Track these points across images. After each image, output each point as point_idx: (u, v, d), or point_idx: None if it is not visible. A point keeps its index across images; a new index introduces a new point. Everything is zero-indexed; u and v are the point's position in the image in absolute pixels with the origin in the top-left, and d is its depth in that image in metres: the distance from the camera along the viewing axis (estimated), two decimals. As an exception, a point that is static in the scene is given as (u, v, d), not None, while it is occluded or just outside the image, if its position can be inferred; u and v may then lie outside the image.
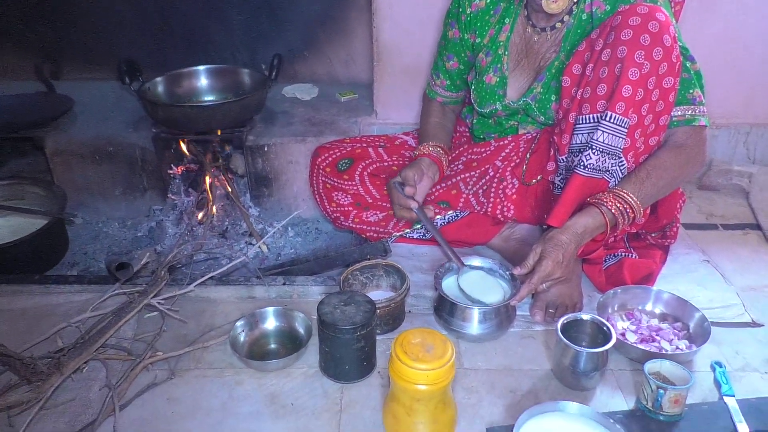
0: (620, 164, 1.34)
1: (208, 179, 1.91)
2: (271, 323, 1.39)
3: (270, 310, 1.40)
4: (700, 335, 1.33)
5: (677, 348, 1.31)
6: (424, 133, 1.70)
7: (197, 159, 1.94)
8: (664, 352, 1.29)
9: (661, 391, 1.14)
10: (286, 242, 1.91)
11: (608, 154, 1.31)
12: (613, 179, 1.36)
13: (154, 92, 1.90)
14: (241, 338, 1.35)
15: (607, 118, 1.28)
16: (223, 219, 1.92)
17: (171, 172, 1.93)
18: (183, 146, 1.90)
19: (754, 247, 1.75)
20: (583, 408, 1.11)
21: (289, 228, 1.95)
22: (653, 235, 1.60)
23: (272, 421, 1.19)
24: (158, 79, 1.92)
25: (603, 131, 1.29)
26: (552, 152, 1.49)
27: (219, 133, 1.86)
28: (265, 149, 1.88)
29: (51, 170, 1.90)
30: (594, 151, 1.31)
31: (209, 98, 2.01)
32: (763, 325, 1.42)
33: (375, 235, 1.68)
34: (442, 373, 1.03)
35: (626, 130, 1.29)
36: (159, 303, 1.41)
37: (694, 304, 1.39)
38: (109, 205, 1.98)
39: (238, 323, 1.35)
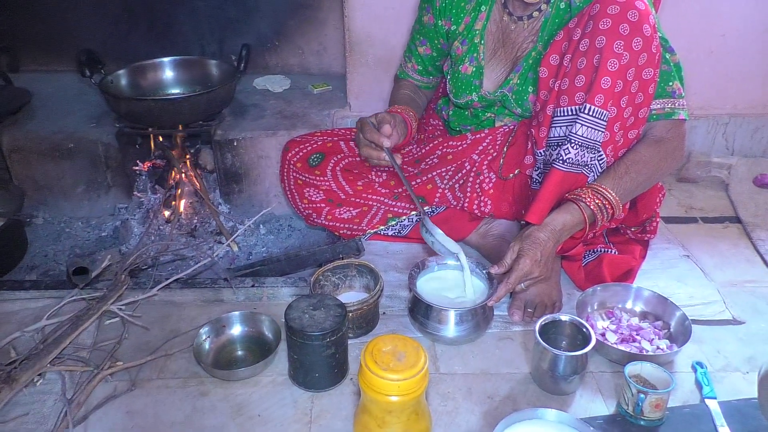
0: (599, 158, 1.30)
1: (175, 175, 1.83)
2: (237, 329, 1.33)
3: (236, 314, 1.33)
4: (681, 334, 1.30)
5: (658, 348, 1.28)
6: (393, 100, 1.64)
7: (164, 154, 1.86)
8: (644, 353, 1.26)
9: (642, 395, 1.10)
10: (257, 240, 1.84)
11: (587, 147, 1.27)
12: (592, 174, 1.31)
13: (117, 85, 1.81)
14: (206, 346, 1.29)
15: (586, 111, 1.23)
16: (191, 217, 1.84)
17: (136, 168, 1.85)
18: (149, 141, 1.82)
19: (734, 240, 1.72)
20: (562, 415, 1.06)
21: (261, 226, 1.88)
22: (633, 229, 1.56)
23: (238, 434, 1.13)
24: (121, 71, 1.83)
25: (582, 124, 1.25)
26: (529, 145, 1.44)
27: (183, 128, 1.78)
28: (235, 144, 1.80)
29: (8, 168, 1.81)
30: (573, 144, 1.26)
31: (176, 91, 1.93)
32: (744, 323, 1.39)
33: (348, 232, 1.63)
34: (415, 383, 0.97)
35: (605, 123, 1.25)
36: (120, 308, 1.34)
37: (675, 302, 1.35)
38: (71, 204, 1.89)
39: (202, 330, 1.29)
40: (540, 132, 1.35)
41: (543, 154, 1.36)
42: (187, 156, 1.88)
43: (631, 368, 1.16)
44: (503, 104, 1.53)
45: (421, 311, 1.32)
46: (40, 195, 1.86)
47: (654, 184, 1.42)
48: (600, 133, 1.25)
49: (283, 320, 1.17)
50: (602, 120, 1.24)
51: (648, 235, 1.56)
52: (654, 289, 1.40)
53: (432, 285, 1.38)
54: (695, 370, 1.24)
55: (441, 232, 1.34)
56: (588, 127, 1.25)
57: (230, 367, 1.26)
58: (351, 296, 1.41)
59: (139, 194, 1.85)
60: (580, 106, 1.24)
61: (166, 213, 1.82)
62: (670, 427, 1.13)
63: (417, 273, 1.38)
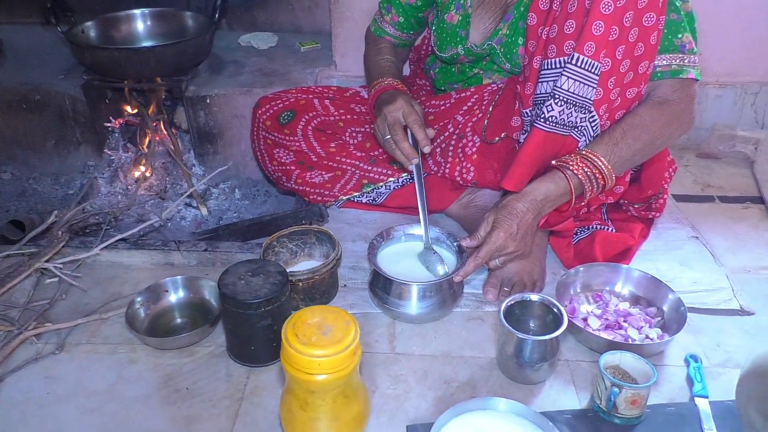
0: (591, 119, 1.13)
1: (148, 134, 1.73)
2: (178, 295, 1.22)
3: (178, 279, 1.22)
4: (675, 322, 1.13)
5: (647, 337, 1.11)
6: (380, 68, 1.47)
7: (138, 112, 1.75)
8: (630, 341, 1.10)
9: (615, 389, 0.95)
10: (231, 205, 1.72)
11: (575, 105, 1.10)
12: (583, 138, 1.15)
13: (87, 36, 1.71)
14: (141, 313, 1.18)
15: (574, 62, 1.07)
16: (163, 178, 1.74)
17: (109, 125, 1.75)
18: (122, 95, 1.72)
19: (754, 222, 1.52)
20: (516, 406, 0.92)
21: (237, 190, 1.76)
22: (636, 206, 1.39)
23: (160, 408, 1.02)
24: (90, 22, 1.72)
25: (568, 77, 1.08)
26: (517, 105, 1.28)
27: (152, 82, 1.66)
28: (207, 101, 1.68)
29: (-26, 119, 1.73)
30: (557, 100, 1.10)
31: (149, 44, 1.81)
32: (753, 314, 1.21)
33: (319, 198, 1.49)
34: (340, 361, 0.84)
35: (597, 78, 1.08)
36: (57, 267, 1.24)
37: (675, 287, 1.18)
38: (41, 160, 1.81)
39: (138, 299, 1.18)
40: (526, 88, 1.19)
41: (530, 114, 1.21)
42: (163, 113, 1.77)
43: (608, 358, 1.00)
44: (491, 59, 1.37)
45: (380, 285, 1.18)
46: (9, 150, 1.78)
47: (655, 153, 1.24)
48: (591, 89, 1.09)
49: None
50: (593, 73, 1.07)
51: (653, 213, 1.39)
52: (654, 272, 1.24)
53: (396, 257, 1.24)
54: (688, 365, 1.08)
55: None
56: (576, 80, 1.08)
57: (166, 336, 1.15)
58: (309, 265, 1.28)
59: (109, 152, 1.75)
60: (568, 57, 1.08)
61: (135, 173, 1.71)
62: (649, 427, 0.97)
63: (379, 243, 1.24)
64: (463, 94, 1.42)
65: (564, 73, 1.07)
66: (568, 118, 1.11)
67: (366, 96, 1.57)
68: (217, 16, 1.66)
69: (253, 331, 1.05)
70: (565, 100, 1.09)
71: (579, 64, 1.07)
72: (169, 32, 1.80)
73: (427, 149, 1.23)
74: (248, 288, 1.03)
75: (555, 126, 1.12)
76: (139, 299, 1.19)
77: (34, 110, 1.72)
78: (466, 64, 1.41)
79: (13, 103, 1.71)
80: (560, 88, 1.08)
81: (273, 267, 1.08)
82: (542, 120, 1.11)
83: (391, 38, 1.51)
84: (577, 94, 1.09)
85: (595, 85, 1.08)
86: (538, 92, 1.15)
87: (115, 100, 1.74)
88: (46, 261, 1.21)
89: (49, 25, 1.66)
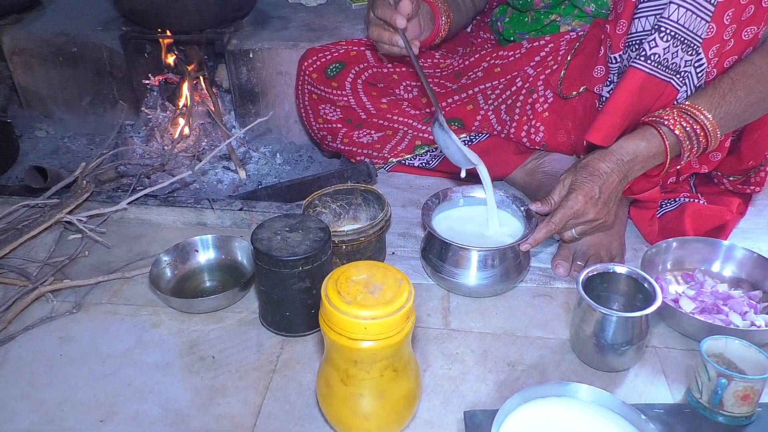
0: (697, 63, 0.95)
1: (186, 91, 1.62)
2: (208, 255, 1.09)
3: (209, 238, 1.10)
4: (787, 309, 0.95)
5: (753, 324, 0.93)
6: None
7: (178, 68, 1.65)
8: (733, 327, 0.92)
9: (723, 380, 0.77)
10: (271, 170, 1.60)
11: (682, 42, 0.92)
12: (684, 88, 0.97)
13: (127, -15, 1.60)
14: (168, 273, 1.06)
15: None
16: (201, 138, 1.62)
17: (147, 82, 1.65)
18: (159, 52, 1.61)
19: None
20: (601, 394, 0.76)
21: (278, 155, 1.64)
22: (731, 179, 1.20)
23: (181, 376, 0.90)
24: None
25: (679, 5, 0.89)
26: (602, 51, 1.10)
27: (193, 33, 1.55)
28: (251, 56, 1.56)
29: (11, 72, 1.65)
30: (662, 34, 0.91)
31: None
32: None
33: (367, 159, 1.35)
34: (390, 325, 0.70)
35: (713, 8, 0.89)
36: (80, 221, 1.13)
37: (783, 268, 1.00)
38: (77, 118, 1.72)
39: (164, 257, 1.06)
40: (618, 27, 1.01)
41: (620, 59, 1.03)
42: (204, 71, 1.66)
43: (711, 344, 0.83)
44: (572, 1, 1.20)
45: (434, 251, 1.03)
46: (45, 106, 1.70)
47: None
48: (704, 22, 0.90)
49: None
50: (709, 2, 0.89)
51: (752, 188, 1.19)
52: (755, 251, 1.05)
53: (453, 222, 1.09)
54: (805, 358, 0.89)
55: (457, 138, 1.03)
56: (687, 9, 0.89)
57: (194, 298, 1.03)
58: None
59: (147, 111, 1.65)
60: None
61: (174, 133, 1.61)
62: (761, 429, 0.79)
63: (435, 205, 1.08)
64: (536, 44, 1.25)
65: (674, 0, 0.89)
66: (672, 59, 0.93)
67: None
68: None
69: (288, 294, 0.91)
70: (672, 34, 0.91)
71: None
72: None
73: (400, 22, 1.04)
74: (285, 244, 0.90)
75: (657, 67, 0.94)
76: (166, 258, 1.07)
77: (70, 63, 1.63)
78: (542, 10, 1.24)
79: (48, 56, 1.62)
80: (667, 19, 0.90)
81: (314, 223, 0.94)
82: (642, 58, 0.93)
83: None
84: (687, 28, 0.91)
85: (708, 19, 0.90)
86: (633, 30, 0.98)
87: (154, 55, 1.64)
88: (70, 213, 1.11)
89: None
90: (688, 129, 0.94)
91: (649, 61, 0.93)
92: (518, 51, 1.27)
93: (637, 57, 0.94)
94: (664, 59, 0.92)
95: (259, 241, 0.90)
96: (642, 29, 0.96)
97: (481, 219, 1.10)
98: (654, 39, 0.92)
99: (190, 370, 0.91)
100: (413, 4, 1.05)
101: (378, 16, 1.08)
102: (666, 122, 0.95)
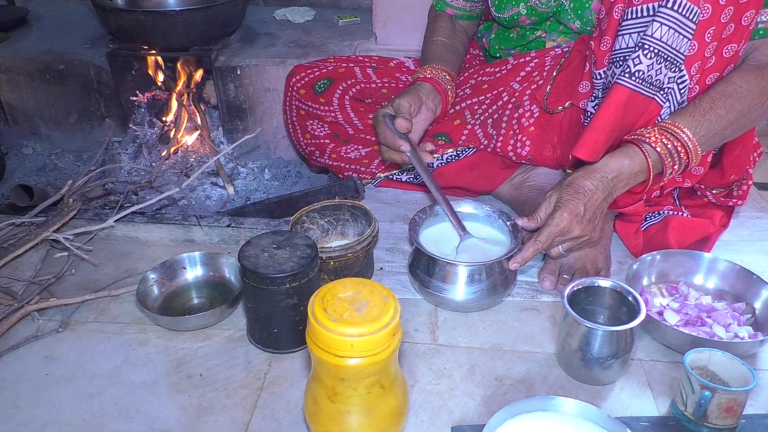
0: (680, 80, 0.96)
1: (174, 107, 1.62)
2: (196, 272, 1.09)
3: (196, 255, 1.10)
4: (770, 320, 0.96)
5: (736, 336, 0.94)
6: (426, 54, 1.33)
7: (165, 85, 1.65)
8: (717, 339, 0.93)
9: (707, 392, 0.78)
10: (259, 185, 1.60)
11: (666, 59, 0.93)
12: (668, 104, 0.98)
13: (115, 4, 1.61)
14: (155, 291, 1.05)
15: (670, 5, 0.89)
16: (188, 155, 1.63)
17: (135, 99, 1.65)
18: (146, 69, 1.62)
19: None
20: (587, 408, 0.76)
21: (266, 170, 1.64)
22: (714, 192, 1.21)
23: (168, 395, 0.89)
24: (120, -11, 1.63)
25: (662, 23, 0.91)
26: (587, 67, 1.12)
27: (180, 50, 1.55)
28: (238, 72, 1.57)
29: (-5, 87, 1.65)
30: (646, 51, 0.93)
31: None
32: None
33: (355, 175, 1.35)
34: (376, 342, 0.70)
35: (694, 27, 0.91)
36: (67, 239, 1.12)
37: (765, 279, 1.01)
38: (64, 135, 1.72)
39: (151, 275, 1.06)
40: (602, 44, 1.03)
41: (604, 75, 1.04)
42: (191, 88, 1.66)
43: (695, 356, 0.84)
44: (557, 17, 1.21)
45: (421, 266, 1.04)
46: (31, 124, 1.70)
47: (749, 128, 1.06)
48: (686, 41, 0.92)
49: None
50: (691, 21, 0.90)
51: (735, 201, 1.21)
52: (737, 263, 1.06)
53: (440, 237, 1.10)
54: (787, 369, 0.91)
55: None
56: (670, 28, 0.91)
57: (181, 316, 1.02)
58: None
59: (135, 127, 1.65)
60: (662, 0, 0.91)
61: (161, 149, 1.61)
62: (746, 442, 0.80)
63: (422, 220, 1.09)
64: (522, 59, 1.26)
65: (657, 19, 0.91)
66: (656, 75, 0.94)
67: (412, 66, 1.43)
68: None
69: (276, 311, 0.91)
70: (656, 51, 0.92)
71: (676, 7, 0.89)
72: (200, 2, 1.69)
73: (404, 147, 1.10)
74: (272, 261, 0.90)
75: (642, 84, 0.95)
76: (153, 275, 1.07)
77: (57, 81, 1.63)
78: (527, 27, 1.26)
79: (36, 74, 1.63)
80: (651, 36, 0.92)
81: (301, 240, 0.95)
82: (627, 75, 0.94)
83: (453, 10, 1.34)
84: (670, 46, 0.92)
85: (690, 36, 0.91)
86: (617, 47, 0.99)
87: (141, 72, 1.64)
88: (56, 231, 1.10)
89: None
90: (669, 146, 0.96)
91: (633, 78, 0.94)
92: (504, 67, 1.29)
93: (622, 74, 0.95)
94: (648, 76, 0.94)
95: (246, 258, 0.90)
96: (626, 46, 0.97)
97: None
98: (638, 56, 0.93)
99: (178, 388, 0.90)
100: (409, 119, 1.11)
101: (382, 143, 1.13)
102: (648, 140, 0.96)
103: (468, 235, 1.07)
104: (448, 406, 0.87)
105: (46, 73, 1.62)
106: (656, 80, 0.95)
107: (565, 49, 1.23)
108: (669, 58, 0.93)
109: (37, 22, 1.81)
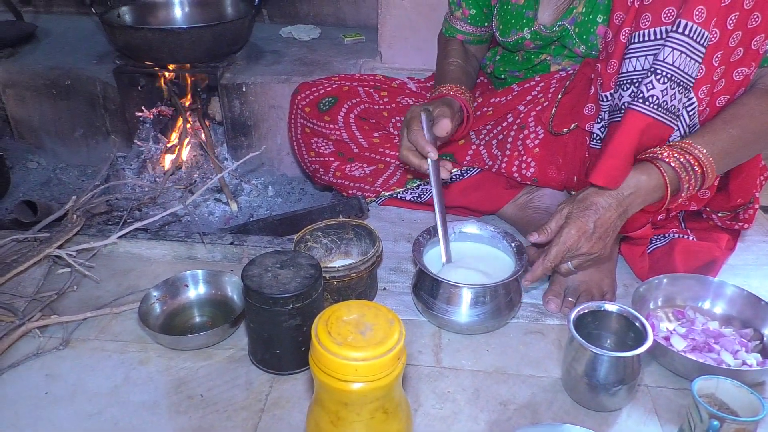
0: (688, 104, 0.95)
1: (179, 124, 1.63)
2: (198, 290, 1.09)
3: (199, 273, 1.09)
4: (778, 347, 0.95)
5: (744, 363, 0.93)
6: (442, 74, 1.32)
7: (171, 101, 1.66)
8: (725, 366, 0.91)
9: (716, 422, 0.76)
10: (262, 202, 1.60)
11: (678, 84, 0.92)
12: (678, 129, 0.97)
13: (123, 20, 1.62)
14: (157, 309, 1.05)
15: (681, 30, 0.89)
16: (192, 171, 1.63)
17: (140, 114, 1.65)
18: (155, 82, 1.62)
19: None
20: (595, 438, 0.75)
21: (270, 187, 1.64)
22: (720, 215, 1.20)
23: (168, 416, 0.88)
24: (127, 7, 1.64)
25: (674, 48, 0.90)
26: (593, 90, 1.12)
27: (186, 67, 1.56)
28: (243, 89, 1.57)
29: (4, 104, 1.65)
30: (659, 77, 0.92)
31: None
32: None
33: (359, 193, 1.35)
34: (381, 366, 0.69)
35: (704, 50, 0.91)
36: (70, 255, 1.12)
37: (771, 306, 1.00)
38: (69, 150, 1.72)
39: (154, 293, 1.05)
40: (609, 67, 1.02)
41: (611, 98, 1.04)
42: (196, 104, 1.67)
43: (703, 384, 0.82)
44: (561, 42, 1.22)
45: (425, 287, 1.03)
46: (37, 138, 1.71)
47: (761, 150, 1.05)
48: (696, 63, 0.91)
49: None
50: (701, 44, 0.90)
51: (741, 224, 1.20)
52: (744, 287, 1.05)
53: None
54: (797, 398, 0.89)
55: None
56: (682, 52, 0.90)
57: (183, 335, 1.02)
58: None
59: (139, 143, 1.65)
60: (673, 25, 0.91)
61: (166, 165, 1.61)
62: (756, 473, 0.79)
63: (426, 241, 1.09)
64: (527, 84, 1.26)
65: (668, 44, 0.90)
66: (671, 101, 0.93)
67: (414, 88, 1.43)
68: (257, 1, 1.55)
69: (278, 332, 0.90)
70: (669, 77, 0.91)
71: (687, 32, 0.89)
72: (207, 20, 1.71)
73: (432, 154, 1.06)
74: (276, 281, 0.89)
75: (657, 109, 0.94)
76: (155, 293, 1.06)
77: (63, 96, 1.64)
78: (532, 51, 1.26)
79: (42, 89, 1.63)
80: (663, 62, 0.91)
81: (305, 259, 0.94)
82: (641, 100, 0.94)
83: (464, 35, 1.35)
84: (682, 70, 0.91)
85: (700, 60, 0.91)
86: (624, 70, 0.98)
87: (147, 88, 1.65)
88: (59, 247, 1.10)
89: (85, 8, 1.59)
90: (683, 161, 0.94)
91: (647, 103, 0.93)
92: (510, 94, 1.28)
93: (635, 99, 0.95)
94: (663, 101, 0.93)
95: (249, 278, 0.90)
96: (633, 69, 0.97)
97: (474, 254, 1.10)
98: (651, 81, 0.93)
99: (178, 409, 0.89)
100: (452, 125, 1.08)
101: (410, 140, 1.08)
102: (660, 156, 0.95)
103: (450, 264, 1.06)
104: (453, 431, 0.86)
105: (53, 89, 1.63)
106: (671, 106, 0.94)
107: (570, 72, 1.23)
108: (681, 83, 0.93)
109: (45, 37, 1.82)
